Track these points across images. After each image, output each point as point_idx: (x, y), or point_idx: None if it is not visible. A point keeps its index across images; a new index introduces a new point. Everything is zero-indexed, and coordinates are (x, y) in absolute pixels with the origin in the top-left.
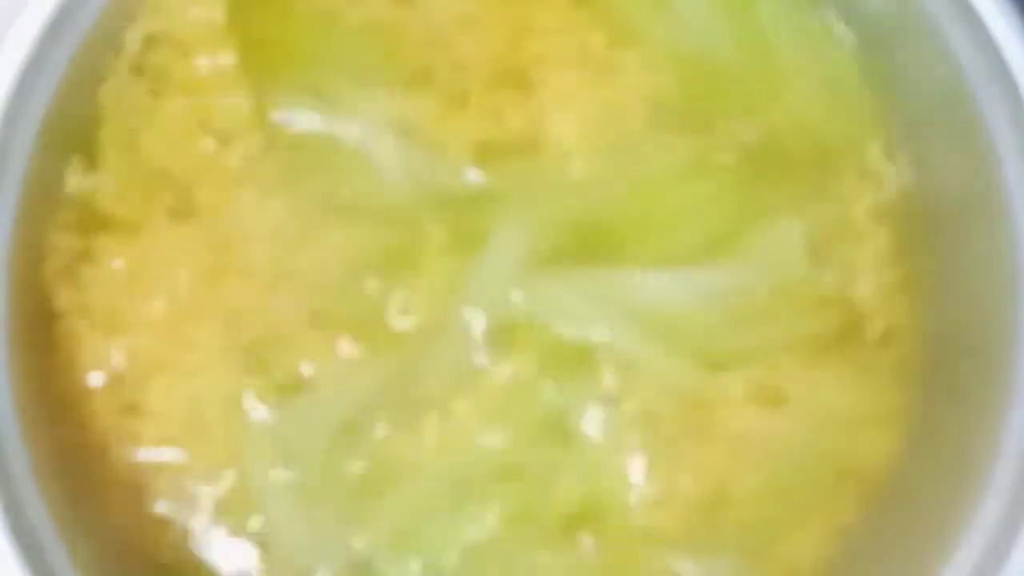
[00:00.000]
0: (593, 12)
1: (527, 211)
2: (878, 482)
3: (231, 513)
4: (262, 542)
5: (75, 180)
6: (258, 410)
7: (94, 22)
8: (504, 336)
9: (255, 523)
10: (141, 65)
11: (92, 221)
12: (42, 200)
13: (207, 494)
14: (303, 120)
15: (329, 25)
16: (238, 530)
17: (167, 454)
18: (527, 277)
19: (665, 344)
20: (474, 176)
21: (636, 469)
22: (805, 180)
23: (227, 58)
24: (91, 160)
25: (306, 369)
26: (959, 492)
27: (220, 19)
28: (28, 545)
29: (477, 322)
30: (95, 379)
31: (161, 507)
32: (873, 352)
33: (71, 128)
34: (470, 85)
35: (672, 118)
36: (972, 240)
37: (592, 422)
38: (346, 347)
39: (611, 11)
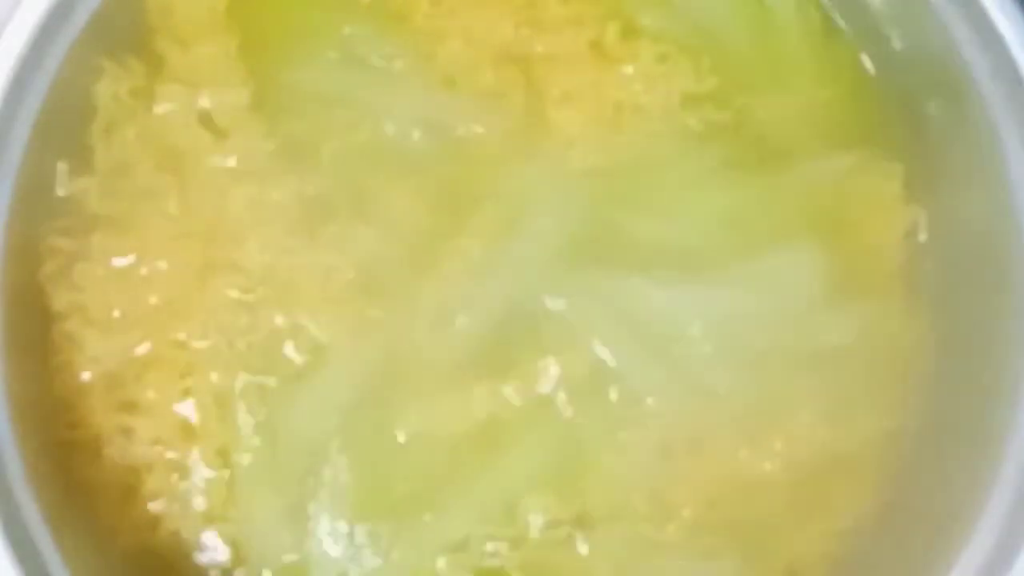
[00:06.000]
0: (604, 4)
1: (545, 204)
2: (881, 487)
3: (222, 512)
4: (249, 540)
5: (69, 181)
6: (251, 408)
7: (89, 20)
8: (518, 331)
9: (243, 521)
10: (137, 60)
11: (87, 222)
12: (36, 202)
13: (199, 493)
14: (323, 82)
15: (339, 5)
16: (228, 529)
17: (160, 453)
18: (549, 274)
19: (672, 370)
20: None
21: (638, 478)
22: (816, 186)
23: (227, 47)
24: (85, 160)
25: (302, 365)
26: (964, 497)
27: (221, 7)
28: (21, 544)
29: (492, 312)
30: (91, 378)
31: (153, 506)
32: (876, 365)
33: (65, 128)
34: (477, 69)
35: (685, 110)
36: (978, 244)
37: (598, 430)
38: (344, 344)
39: (622, 3)
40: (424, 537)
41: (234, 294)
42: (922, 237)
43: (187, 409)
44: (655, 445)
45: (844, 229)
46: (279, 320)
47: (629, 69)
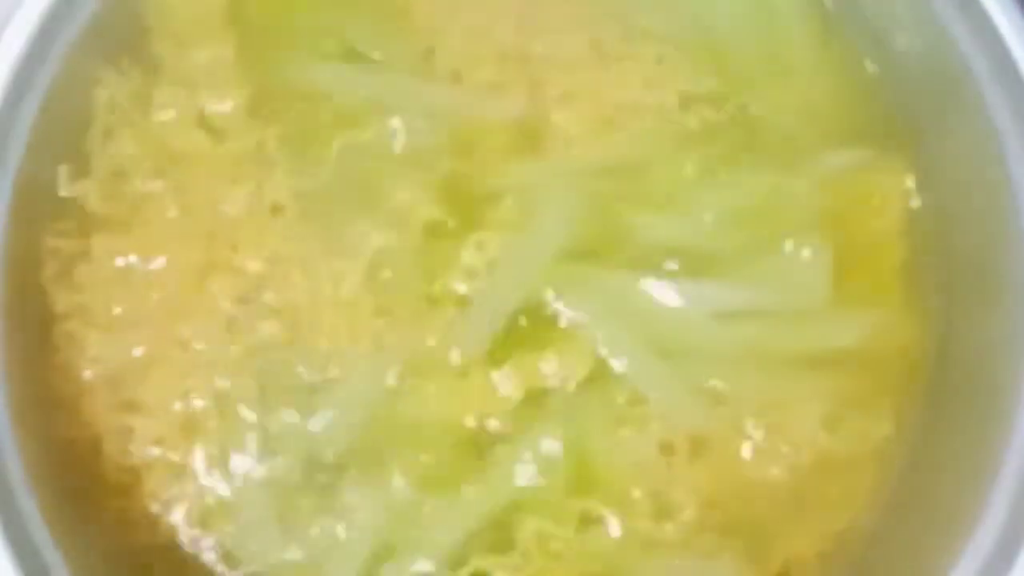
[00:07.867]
0: (604, 4)
1: (549, 203)
2: (880, 488)
3: (221, 512)
4: (246, 542)
5: (69, 183)
6: (251, 409)
7: (88, 22)
8: (520, 329)
9: (241, 523)
10: (135, 61)
11: (87, 223)
12: (37, 204)
13: (198, 493)
14: (322, 80)
15: (337, 3)
16: (227, 530)
17: (160, 453)
18: (551, 272)
19: (674, 369)
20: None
21: (638, 476)
22: (817, 185)
23: (225, 48)
24: (85, 162)
25: (302, 365)
26: (964, 498)
27: (219, 8)
28: (21, 544)
29: (501, 306)
30: (92, 378)
31: (152, 506)
32: (876, 365)
33: (65, 130)
34: (477, 68)
35: (685, 109)
36: (978, 244)
37: (600, 429)
38: (345, 344)
39: (622, 3)
40: (423, 542)
41: (234, 294)
42: (922, 237)
43: (187, 409)
44: (656, 444)
45: (844, 229)
46: (280, 320)
47: (629, 69)
